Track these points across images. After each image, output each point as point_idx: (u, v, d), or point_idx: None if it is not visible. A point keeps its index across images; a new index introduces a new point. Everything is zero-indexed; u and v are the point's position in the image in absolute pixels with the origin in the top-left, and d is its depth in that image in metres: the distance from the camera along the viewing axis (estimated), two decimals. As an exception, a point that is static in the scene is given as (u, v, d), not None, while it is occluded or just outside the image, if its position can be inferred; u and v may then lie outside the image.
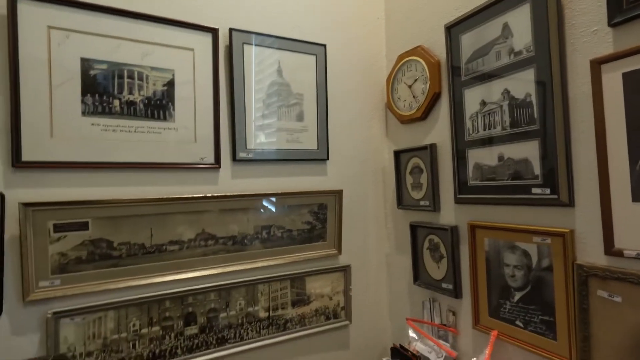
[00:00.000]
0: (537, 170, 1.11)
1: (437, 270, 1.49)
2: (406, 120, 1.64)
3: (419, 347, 1.44)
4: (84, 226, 1.15)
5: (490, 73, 1.24)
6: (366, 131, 1.75)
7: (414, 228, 1.59)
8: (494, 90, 1.23)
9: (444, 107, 1.46)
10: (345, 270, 1.64)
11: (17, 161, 1.08)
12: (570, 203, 1.04)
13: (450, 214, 1.44)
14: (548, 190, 1.08)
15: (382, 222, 1.79)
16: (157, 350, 1.26)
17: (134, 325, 1.22)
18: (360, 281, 1.71)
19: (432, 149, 1.48)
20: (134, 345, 1.22)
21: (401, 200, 1.67)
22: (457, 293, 1.39)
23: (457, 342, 1.41)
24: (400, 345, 1.46)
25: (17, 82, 1.09)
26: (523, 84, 1.14)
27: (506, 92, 1.19)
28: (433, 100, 1.49)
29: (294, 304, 1.52)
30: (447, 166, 1.44)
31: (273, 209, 1.48)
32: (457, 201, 1.38)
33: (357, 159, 1.72)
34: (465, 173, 1.34)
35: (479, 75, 1.28)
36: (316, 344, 1.59)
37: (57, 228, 1.12)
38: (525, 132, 1.14)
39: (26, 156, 1.09)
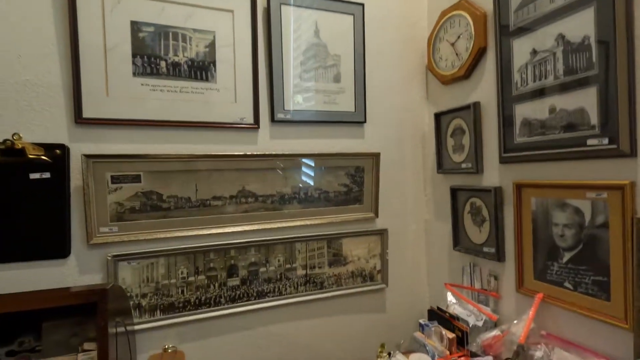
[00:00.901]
0: (594, 119, 1.02)
1: (478, 234, 1.44)
2: (448, 81, 1.57)
3: (457, 310, 1.42)
4: (136, 179, 1.25)
5: (543, 18, 1.14)
6: (405, 94, 1.71)
7: (454, 192, 1.54)
8: (546, 37, 1.14)
9: (489, 63, 1.38)
10: (382, 234, 1.63)
11: (79, 117, 1.19)
12: (632, 153, 0.95)
13: (493, 175, 1.37)
14: (606, 141, 0.99)
15: (421, 188, 1.75)
16: (203, 298, 1.35)
17: (181, 272, 1.32)
18: (398, 246, 1.70)
19: (475, 107, 1.41)
20: (182, 291, 1.32)
21: (441, 164, 1.62)
22: (499, 256, 1.33)
23: (498, 306, 1.36)
24: (437, 307, 1.44)
25: (77, 46, 1.19)
26: (580, 26, 1.04)
27: (560, 37, 1.10)
28: (478, 57, 1.41)
29: (331, 264, 1.55)
30: (491, 125, 1.37)
31: (310, 171, 1.50)
32: (502, 161, 1.31)
33: (396, 122, 1.69)
34: (512, 130, 1.26)
35: (530, 23, 1.19)
36: (352, 305, 1.61)
37: (114, 179, 1.22)
38: (581, 79, 1.05)
39: (86, 113, 1.20)
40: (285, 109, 1.45)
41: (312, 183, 1.50)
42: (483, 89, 1.41)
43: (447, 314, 1.38)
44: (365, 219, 1.61)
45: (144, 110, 1.26)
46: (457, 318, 1.35)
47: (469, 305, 1.41)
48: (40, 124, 1.16)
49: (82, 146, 1.20)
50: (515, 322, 1.18)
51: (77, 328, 1.08)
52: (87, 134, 1.21)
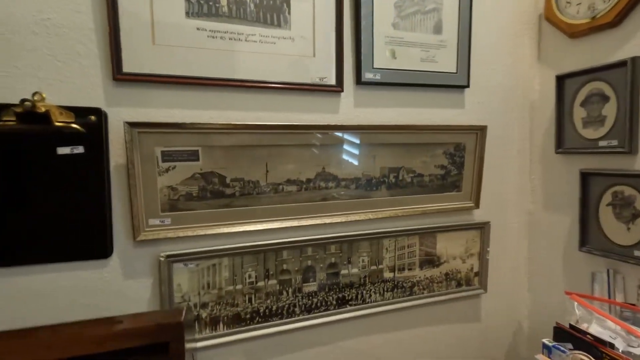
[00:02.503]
0: None
1: (624, 233, 1.10)
2: (580, 32, 1.20)
3: (594, 329, 1.11)
4: (193, 155, 0.95)
5: None
6: (513, 53, 1.34)
7: (585, 178, 1.20)
8: None
9: (661, 1, 1.01)
10: (483, 228, 1.32)
11: (118, 72, 0.88)
12: None
13: (658, 155, 1.03)
14: None
15: (526, 172, 1.41)
16: (274, 307, 1.07)
17: (249, 276, 1.04)
18: (498, 243, 1.38)
19: (635, 64, 1.05)
20: (249, 300, 1.04)
21: (562, 141, 1.27)
22: (664, 263, 1.01)
23: (656, 327, 1.05)
24: (570, 325, 1.13)
25: (112, -24, 0.87)
26: None
27: None
28: (638, -5, 1.04)
29: (422, 265, 1.25)
30: (661, 87, 1.01)
31: (402, 149, 1.17)
32: (681, 136, 0.96)
33: (501, 89, 1.33)
34: None
35: None
36: (443, 314, 1.32)
37: (166, 156, 0.92)
38: None
39: (127, 67, 0.89)
40: (374, 67, 1.12)
41: (404, 164, 1.18)
42: (644, 39, 1.05)
43: (588, 336, 1.07)
44: (464, 209, 1.29)
45: (200, 64, 0.95)
46: (605, 343, 1.04)
47: (608, 322, 1.10)
48: (67, 80, 0.86)
49: (122, 111, 0.90)
50: None
51: None
52: (128, 96, 0.91)
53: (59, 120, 0.84)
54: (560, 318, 1.23)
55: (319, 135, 1.07)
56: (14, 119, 0.80)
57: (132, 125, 0.87)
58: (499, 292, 1.41)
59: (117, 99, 0.90)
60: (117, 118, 0.89)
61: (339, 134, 1.09)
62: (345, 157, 1.11)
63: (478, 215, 1.33)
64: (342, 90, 1.09)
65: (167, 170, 0.93)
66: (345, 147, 1.10)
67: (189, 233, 0.96)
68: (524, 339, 1.47)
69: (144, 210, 0.92)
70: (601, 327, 1.10)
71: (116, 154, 0.90)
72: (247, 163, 1.00)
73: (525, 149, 1.40)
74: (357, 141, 1.12)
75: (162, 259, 0.93)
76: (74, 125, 0.85)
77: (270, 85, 1.01)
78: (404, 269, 1.23)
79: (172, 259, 0.95)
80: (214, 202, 0.98)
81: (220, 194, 0.98)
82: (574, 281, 1.27)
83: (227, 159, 0.98)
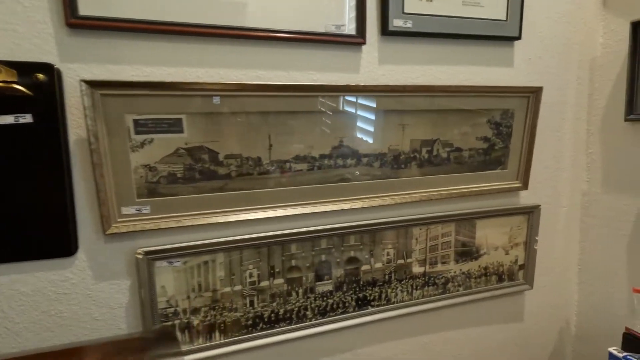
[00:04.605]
0: None
1: None
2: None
3: (676, 337, 0.90)
4: (176, 125, 0.74)
5: None
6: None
7: (667, 150, 0.96)
8: None
9: None
10: (532, 213, 1.10)
11: (72, 16, 0.67)
12: None
13: None
14: None
15: (582, 144, 1.17)
16: (282, 311, 0.88)
17: (250, 275, 0.85)
18: (547, 230, 1.16)
19: None
20: (251, 303, 0.86)
21: (635, 106, 1.02)
22: None
23: None
24: (647, 332, 0.92)
25: None
26: None
27: None
28: None
29: (458, 258, 1.05)
30: None
31: (437, 116, 0.95)
32: None
33: (558, 41, 1.08)
34: None
35: None
36: (480, 314, 1.13)
37: (140, 126, 0.72)
38: None
39: (85, 8, 0.67)
40: (405, 12, 0.88)
41: (439, 136, 0.96)
42: None
43: (672, 347, 0.87)
44: (509, 190, 1.06)
45: (184, 6, 0.73)
46: (697, 356, 0.84)
47: (694, 329, 0.89)
48: (6, 27, 0.65)
49: (82, 68, 0.70)
50: None
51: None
52: (88, 47, 0.70)
53: (-4, 79, 0.64)
54: (627, 322, 1.03)
55: (335, 100, 0.85)
56: None
57: (92, 85, 0.66)
58: (545, 287, 1.20)
59: (74, 51, 0.69)
60: (75, 77, 0.69)
61: (360, 98, 0.87)
62: (367, 127, 0.89)
63: (525, 198, 1.11)
64: (365, 43, 0.86)
65: (143, 144, 0.73)
66: (368, 114, 0.88)
67: (173, 224, 0.76)
68: (570, 342, 1.28)
69: (115, 196, 0.72)
70: (685, 335, 0.89)
71: (77, 125, 0.70)
72: (246, 135, 0.79)
73: (582, 117, 1.15)
74: (383, 107, 0.89)
75: (139, 256, 0.74)
76: (17, 86, 0.65)
77: (272, 34, 0.79)
78: (436, 263, 1.02)
79: (153, 255, 0.76)
80: (205, 185, 0.78)
81: (211, 174, 0.78)
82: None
83: (220, 130, 0.77)
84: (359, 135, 0.88)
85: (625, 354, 0.91)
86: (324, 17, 0.82)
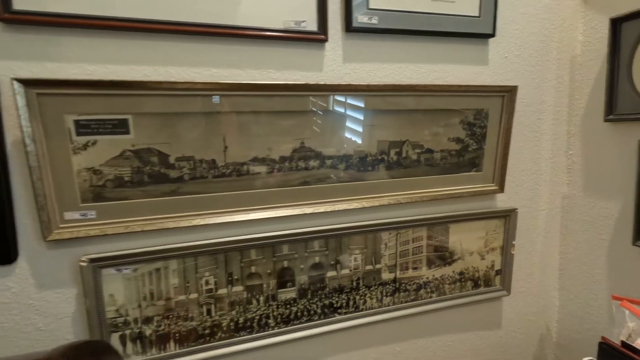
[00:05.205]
0: None
1: (700, 223, 0.84)
2: (648, -43, 0.89)
3: (653, 347, 0.86)
4: (122, 126, 0.70)
5: None
6: (552, -8, 1.04)
7: (646, 152, 0.92)
8: None
9: None
10: (509, 216, 1.06)
11: (5, 10, 0.63)
12: None
13: None
14: None
15: (562, 145, 1.13)
16: (241, 319, 0.85)
17: (206, 282, 0.81)
18: (525, 235, 1.13)
19: None
20: (208, 311, 0.82)
21: (615, 105, 0.99)
22: None
23: None
24: (623, 342, 0.88)
25: None
26: None
27: None
28: None
29: (431, 264, 1.01)
30: None
31: (406, 116, 0.91)
32: None
33: (535, 39, 1.04)
34: None
35: None
36: (455, 321, 1.09)
37: (82, 127, 0.68)
38: None
39: (19, 2, 0.64)
40: (369, 7, 0.84)
41: (409, 137, 0.92)
42: None
43: (647, 359, 0.83)
44: (484, 193, 1.03)
45: (127, 0, 0.69)
46: (672, 368, 0.80)
47: (673, 339, 0.85)
48: (-63, 22, 0.62)
49: (17, 66, 0.66)
50: None
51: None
52: (24, 43, 0.66)
53: None
54: (600, 329, 0.99)
55: (296, 100, 0.81)
56: None
57: (26, 83, 0.63)
58: (524, 293, 1.16)
59: (8, 48, 0.65)
60: (10, 75, 0.65)
61: (322, 97, 0.83)
62: (331, 128, 0.85)
63: (502, 201, 1.07)
64: (327, 40, 0.82)
65: (85, 146, 0.69)
66: (332, 115, 0.85)
67: (121, 229, 0.73)
68: (551, 350, 1.24)
69: (56, 200, 0.69)
70: (663, 345, 0.86)
71: (13, 126, 0.66)
72: (198, 137, 0.75)
73: (562, 117, 1.12)
74: (348, 107, 0.85)
75: (83, 263, 0.71)
76: (-54, 85, 0.61)
77: (226, 31, 0.75)
78: (407, 269, 0.99)
79: (99, 263, 0.72)
80: (155, 189, 0.74)
81: (162, 177, 0.74)
82: (624, 283, 1.02)
83: (170, 131, 0.73)
84: (322, 136, 0.85)
85: (600, 364, 0.87)
86: (283, 12, 0.79)
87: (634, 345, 0.87)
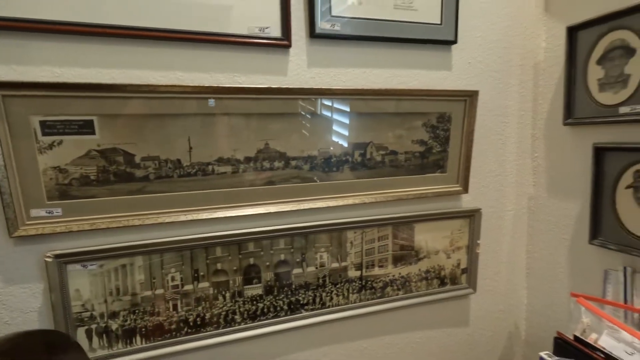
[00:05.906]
0: None
1: (648, 222, 0.88)
2: (600, -31, 0.94)
3: (605, 341, 0.90)
4: (87, 127, 0.73)
5: None
6: (513, 0, 1.08)
7: (600, 153, 0.96)
8: None
9: None
10: (473, 216, 1.09)
11: (-26, 16, 0.66)
12: None
13: (699, 123, 0.78)
14: None
15: (527, 149, 1.17)
16: (207, 315, 0.87)
17: (172, 279, 0.84)
18: (491, 234, 1.16)
19: (672, 2, 0.80)
20: (174, 307, 0.85)
21: (572, 110, 1.03)
22: (700, 263, 0.78)
23: (685, 342, 0.83)
24: (575, 336, 0.92)
25: None
26: None
27: None
28: None
29: (397, 262, 1.04)
30: None
31: (369, 119, 0.95)
32: None
33: (498, 45, 1.08)
34: None
35: None
36: (422, 318, 1.12)
37: (47, 128, 0.71)
38: None
39: (-12, 8, 0.67)
40: (332, 14, 0.88)
41: (373, 139, 0.96)
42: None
43: (598, 352, 0.86)
44: (449, 193, 1.06)
45: (96, 6, 0.72)
46: (612, 358, 0.83)
47: (623, 333, 0.88)
48: None
49: (-13, 69, 0.69)
50: None
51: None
52: (-6, 48, 0.69)
53: None
54: (564, 326, 1.02)
55: (260, 103, 0.84)
56: None
57: (-7, 85, 0.66)
58: (491, 291, 1.20)
59: (-23, 51, 0.68)
60: (-22, 77, 0.68)
61: (287, 101, 0.86)
62: (295, 130, 0.88)
63: (466, 202, 1.11)
64: (290, 45, 0.86)
65: (51, 146, 0.72)
66: (297, 117, 0.88)
67: (87, 226, 0.75)
68: (520, 348, 1.27)
69: (22, 198, 0.71)
70: (614, 340, 0.89)
71: (-18, 126, 0.69)
72: (163, 137, 0.78)
73: (526, 121, 1.16)
74: (311, 110, 0.89)
75: (48, 259, 0.73)
76: None
77: (192, 36, 0.78)
78: (373, 266, 1.02)
79: (65, 259, 0.75)
80: (121, 188, 0.77)
81: (128, 177, 0.77)
82: (582, 281, 1.05)
83: (135, 131, 0.76)
84: (287, 137, 0.88)
85: (556, 358, 0.91)
86: (248, 19, 0.82)
87: (586, 340, 0.90)
